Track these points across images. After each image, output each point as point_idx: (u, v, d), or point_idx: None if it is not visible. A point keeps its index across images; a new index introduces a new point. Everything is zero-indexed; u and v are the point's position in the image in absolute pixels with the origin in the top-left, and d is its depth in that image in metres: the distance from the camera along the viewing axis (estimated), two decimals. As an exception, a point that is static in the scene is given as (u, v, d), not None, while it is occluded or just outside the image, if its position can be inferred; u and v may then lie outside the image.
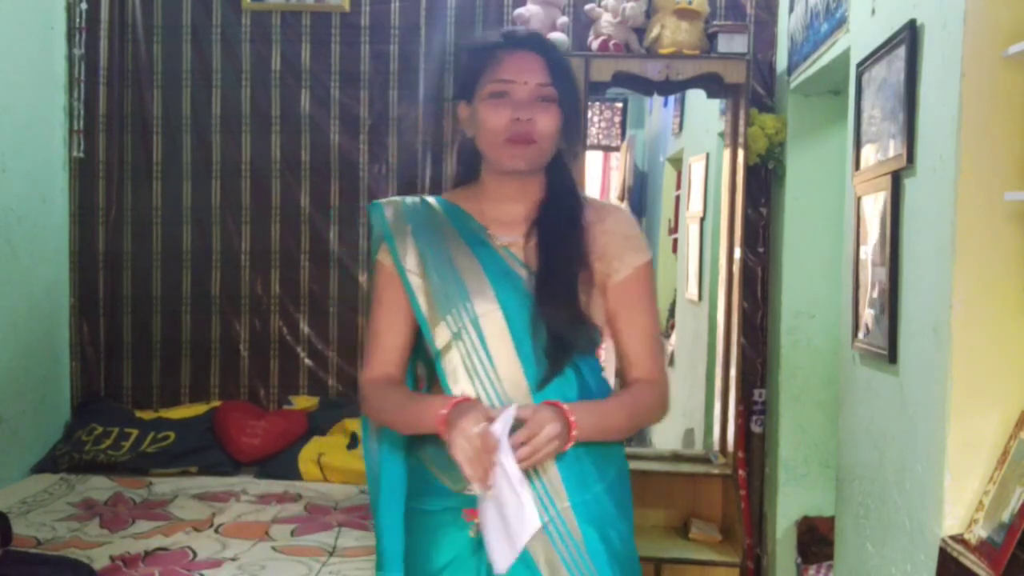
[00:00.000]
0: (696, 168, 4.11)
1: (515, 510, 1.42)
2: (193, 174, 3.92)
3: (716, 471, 3.32)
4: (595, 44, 3.32)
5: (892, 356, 2.09)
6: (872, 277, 2.28)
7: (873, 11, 2.34)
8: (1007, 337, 1.75)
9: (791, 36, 3.28)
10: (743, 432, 3.43)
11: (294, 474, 3.54)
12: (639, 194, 4.99)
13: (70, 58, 3.84)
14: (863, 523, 2.32)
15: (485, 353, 1.58)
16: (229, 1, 3.87)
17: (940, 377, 1.81)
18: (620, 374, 1.73)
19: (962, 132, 1.75)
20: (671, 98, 4.27)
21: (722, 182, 3.41)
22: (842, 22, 2.62)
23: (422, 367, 1.72)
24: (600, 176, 5.41)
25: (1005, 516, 1.63)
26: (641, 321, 1.66)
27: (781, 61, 3.45)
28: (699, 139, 4.09)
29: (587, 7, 3.44)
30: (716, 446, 3.37)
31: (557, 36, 3.31)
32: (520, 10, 3.46)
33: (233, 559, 2.67)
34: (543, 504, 1.53)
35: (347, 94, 3.89)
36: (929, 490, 1.85)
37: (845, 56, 2.60)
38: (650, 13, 3.31)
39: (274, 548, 2.79)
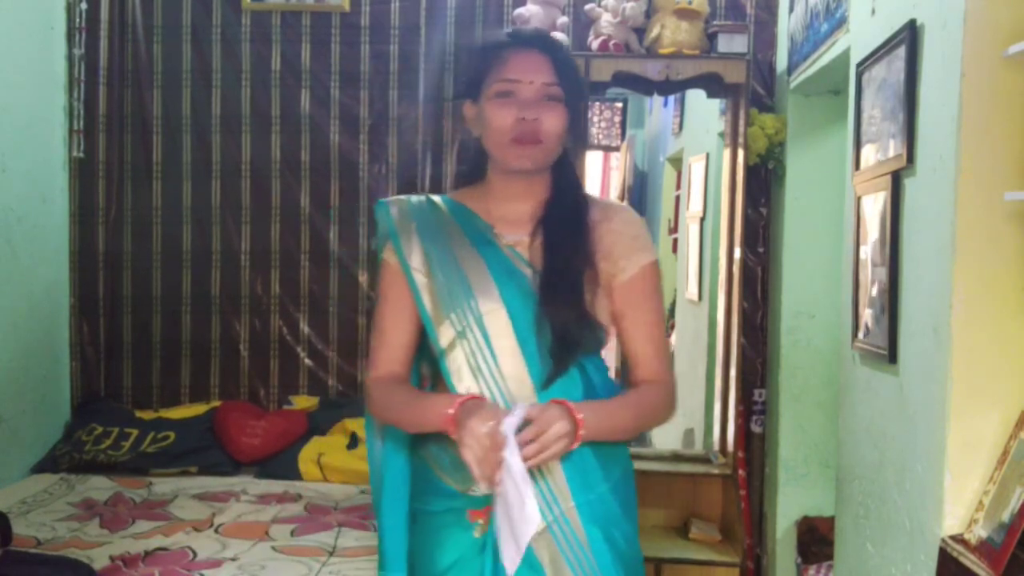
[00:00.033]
0: (696, 168, 4.11)
1: (518, 507, 1.42)
2: (193, 174, 3.92)
3: (716, 471, 3.32)
4: (595, 44, 3.32)
5: (892, 356, 2.09)
6: (872, 277, 2.28)
7: (873, 11, 2.34)
8: (1007, 337, 1.75)
9: (791, 36, 3.28)
10: (743, 432, 3.43)
11: (294, 474, 3.54)
12: (639, 194, 4.99)
13: (70, 58, 3.84)
14: (863, 523, 2.32)
15: (489, 351, 1.58)
16: (229, 1, 3.87)
17: (940, 377, 1.81)
18: (623, 375, 1.72)
19: (962, 132, 1.75)
20: (671, 98, 4.27)
21: (722, 182, 3.41)
22: (842, 22, 2.62)
23: (426, 367, 1.72)
24: (600, 176, 5.40)
25: (1005, 516, 1.63)
26: (647, 321, 1.65)
27: (781, 61, 3.45)
28: (699, 139, 4.09)
29: (587, 7, 3.44)
30: (716, 446, 3.37)
31: (557, 36, 3.31)
32: (520, 10, 3.46)
33: (233, 559, 2.67)
34: (547, 504, 1.53)
35: (347, 94, 3.89)
36: (929, 490, 1.85)
37: (845, 56, 2.60)
38: (650, 13, 3.31)
39: (274, 548, 2.79)
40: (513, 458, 1.41)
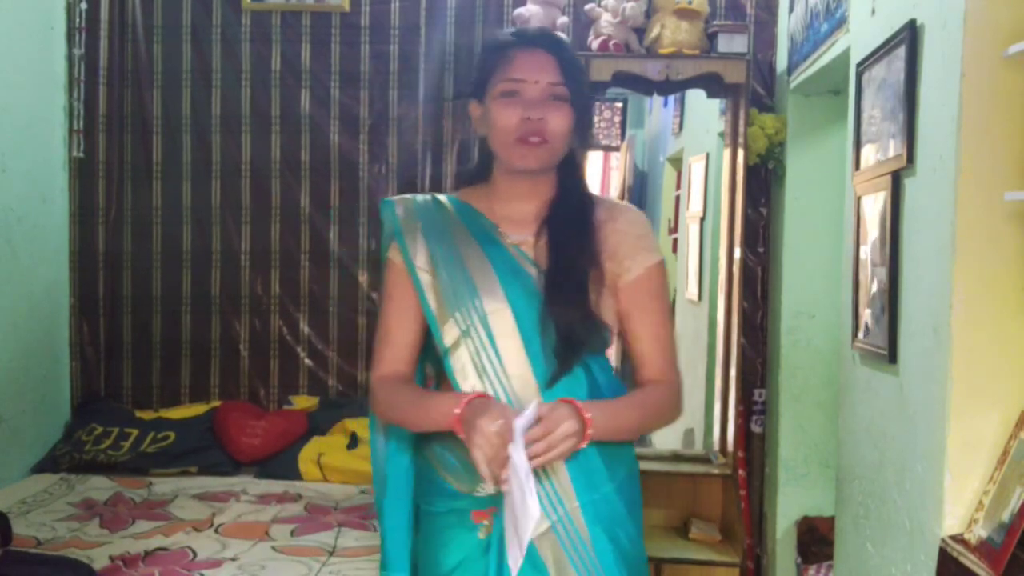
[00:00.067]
0: (696, 168, 4.11)
1: (520, 504, 1.42)
2: (193, 174, 3.92)
3: (716, 471, 3.32)
4: (595, 44, 3.32)
5: (892, 356, 2.09)
6: (872, 277, 2.28)
7: (873, 11, 2.34)
8: (1007, 337, 1.75)
9: (791, 36, 3.28)
10: (743, 432, 3.43)
11: (294, 474, 3.54)
12: (639, 194, 4.99)
13: (70, 58, 3.85)
14: (863, 523, 2.32)
15: (494, 351, 1.57)
16: (229, 1, 3.87)
17: (940, 377, 1.81)
18: (627, 376, 1.72)
19: (962, 132, 1.75)
20: (671, 98, 4.27)
21: (722, 182, 3.40)
22: (842, 22, 2.62)
23: (431, 366, 1.72)
24: (600, 176, 5.40)
25: (1005, 516, 1.63)
26: (653, 321, 1.65)
27: (781, 61, 3.45)
28: (699, 139, 4.09)
29: (587, 7, 3.44)
30: (716, 446, 3.37)
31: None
32: (520, 10, 3.46)
33: (233, 559, 2.68)
34: (552, 504, 1.53)
35: (347, 94, 3.89)
36: (929, 490, 1.85)
37: (845, 56, 2.60)
38: (650, 13, 3.31)
39: (274, 548, 2.79)
40: (518, 455, 1.40)
